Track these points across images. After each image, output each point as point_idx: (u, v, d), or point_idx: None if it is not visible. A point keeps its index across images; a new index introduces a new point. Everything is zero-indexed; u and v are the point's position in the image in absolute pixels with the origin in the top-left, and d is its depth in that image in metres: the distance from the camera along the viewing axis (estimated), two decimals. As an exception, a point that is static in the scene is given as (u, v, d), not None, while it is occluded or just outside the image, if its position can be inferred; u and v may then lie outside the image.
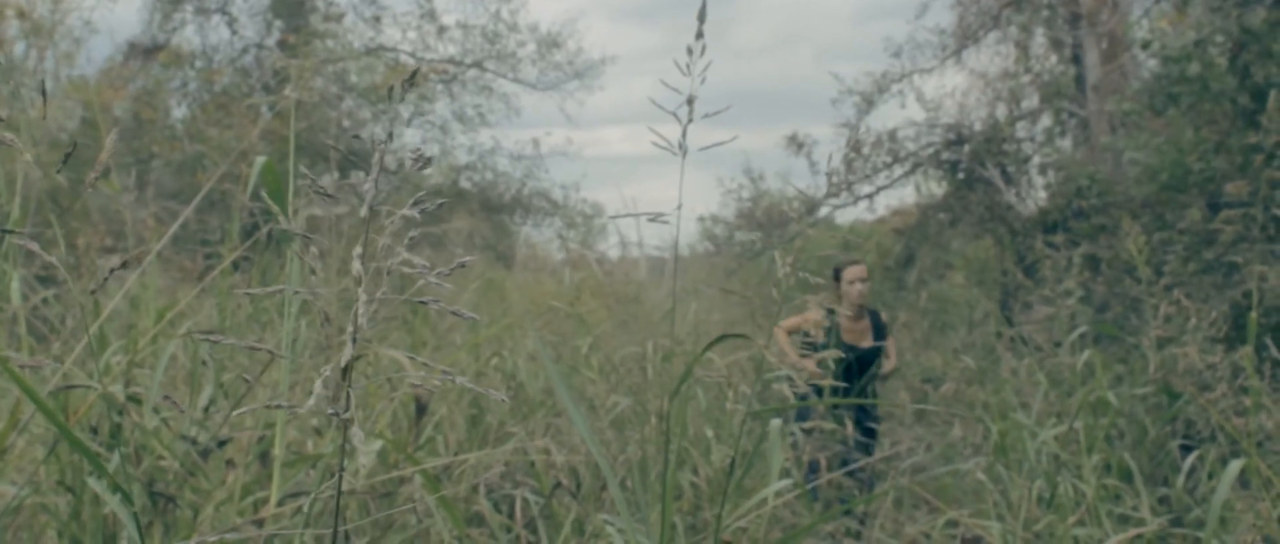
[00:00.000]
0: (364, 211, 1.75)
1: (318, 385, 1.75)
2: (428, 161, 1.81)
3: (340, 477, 1.82)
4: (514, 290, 12.53)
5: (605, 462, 2.72)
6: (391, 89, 1.77)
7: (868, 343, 8.81)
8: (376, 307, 1.79)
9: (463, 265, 1.81)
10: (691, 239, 22.01)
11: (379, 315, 1.83)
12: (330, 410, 1.78)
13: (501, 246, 20.99)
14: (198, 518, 3.48)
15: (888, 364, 9.05)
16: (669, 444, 2.77)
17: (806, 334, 8.29)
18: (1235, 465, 4.71)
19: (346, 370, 3.74)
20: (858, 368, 8.61)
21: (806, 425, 4.08)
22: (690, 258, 19.76)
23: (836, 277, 8.91)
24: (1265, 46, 8.88)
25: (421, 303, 1.80)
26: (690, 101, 2.71)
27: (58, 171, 1.99)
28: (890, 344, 9.16)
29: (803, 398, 6.89)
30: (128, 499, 2.42)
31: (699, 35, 2.64)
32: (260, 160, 3.25)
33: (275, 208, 1.96)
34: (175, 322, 4.53)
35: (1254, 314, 5.43)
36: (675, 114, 2.72)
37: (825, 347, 8.16)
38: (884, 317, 9.17)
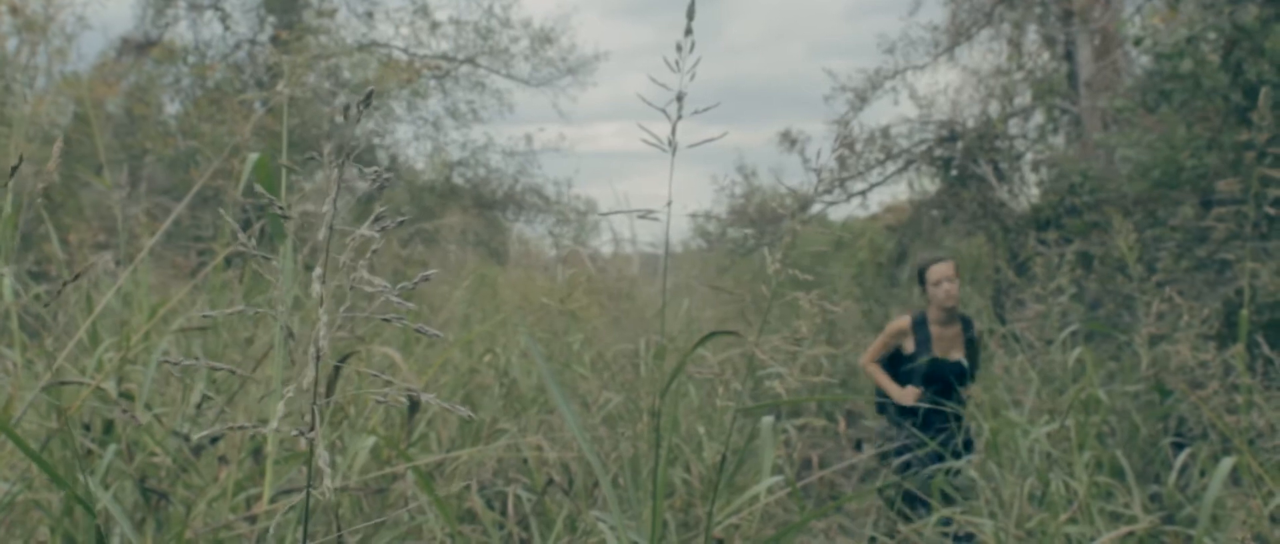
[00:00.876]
0: (322, 234, 1.75)
1: (280, 406, 1.75)
2: (386, 182, 1.80)
3: (307, 489, 1.82)
4: (506, 287, 12.54)
5: (596, 458, 2.73)
6: (348, 109, 1.76)
7: (959, 354, 7.89)
8: (340, 324, 1.79)
9: (426, 279, 1.81)
10: (685, 235, 22.03)
11: (355, 331, 1.83)
12: (295, 431, 1.78)
13: (495, 243, 20.99)
14: (190, 514, 3.48)
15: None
16: (660, 441, 2.77)
17: (899, 349, 7.91)
18: (1227, 463, 4.73)
19: (329, 387, 3.73)
20: (946, 385, 7.79)
21: (799, 422, 4.08)
22: (683, 254, 19.77)
23: (921, 278, 8.04)
24: (1257, 43, 8.89)
25: (385, 320, 1.80)
26: (680, 98, 2.71)
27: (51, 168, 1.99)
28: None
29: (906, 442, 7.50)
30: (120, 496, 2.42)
31: (688, 31, 2.65)
32: (253, 156, 3.25)
33: (269, 196, 1.96)
34: (168, 318, 4.53)
35: (1245, 311, 5.44)
36: (664, 111, 2.72)
37: (915, 358, 7.85)
38: (977, 326, 8.16)
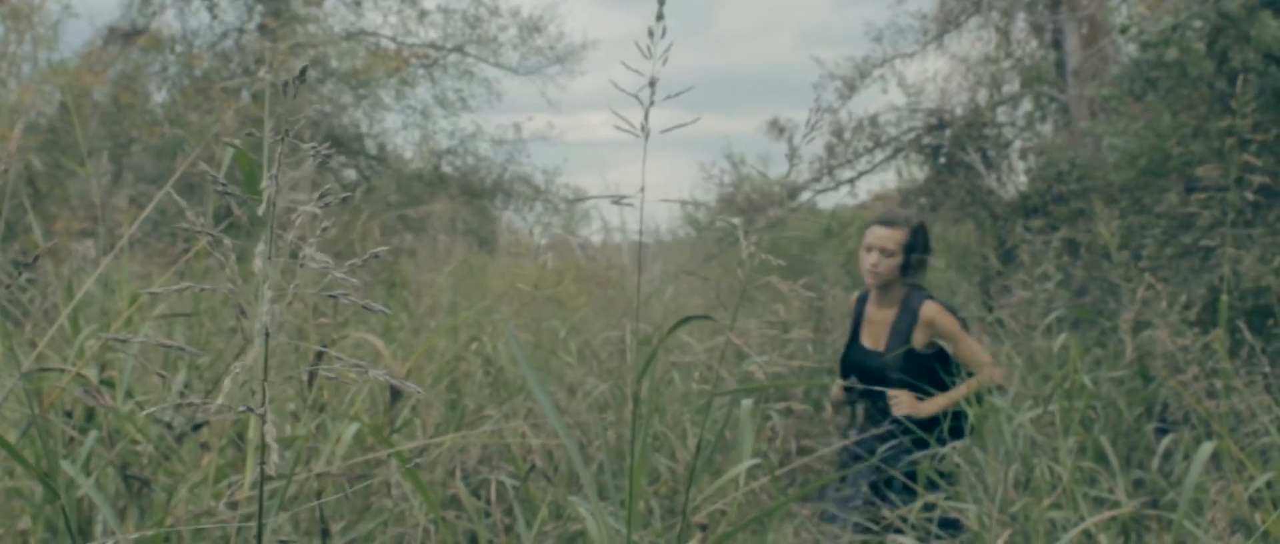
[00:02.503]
0: (261, 209, 1.75)
1: (227, 382, 1.76)
2: (326, 157, 1.80)
3: (262, 469, 1.83)
4: (495, 276, 12.54)
5: (573, 443, 2.74)
6: (287, 84, 1.77)
7: (880, 345, 6.51)
8: (290, 301, 1.80)
9: (376, 256, 1.82)
10: (674, 224, 22.03)
11: (336, 317, 1.84)
12: (243, 407, 1.79)
13: (483, 231, 21.00)
14: (172, 501, 3.48)
15: (916, 403, 6.34)
16: (637, 424, 2.78)
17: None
18: (1207, 447, 4.74)
19: (310, 375, 3.73)
20: (871, 383, 6.46)
21: (780, 406, 4.09)
22: (671, 243, 19.78)
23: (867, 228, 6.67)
24: (1243, 31, 8.90)
25: (331, 297, 1.80)
26: (652, 83, 2.72)
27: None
28: (969, 382, 6.27)
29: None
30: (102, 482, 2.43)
31: (659, 16, 2.65)
32: (231, 151, 3.25)
33: (229, 187, 1.96)
34: (149, 305, 4.53)
35: (1225, 297, 5.46)
36: (637, 96, 2.73)
37: (847, 348, 6.80)
38: (929, 313, 6.42)
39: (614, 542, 2.82)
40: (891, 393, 6.29)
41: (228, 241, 1.88)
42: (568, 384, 7.61)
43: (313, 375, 3.91)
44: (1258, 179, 5.38)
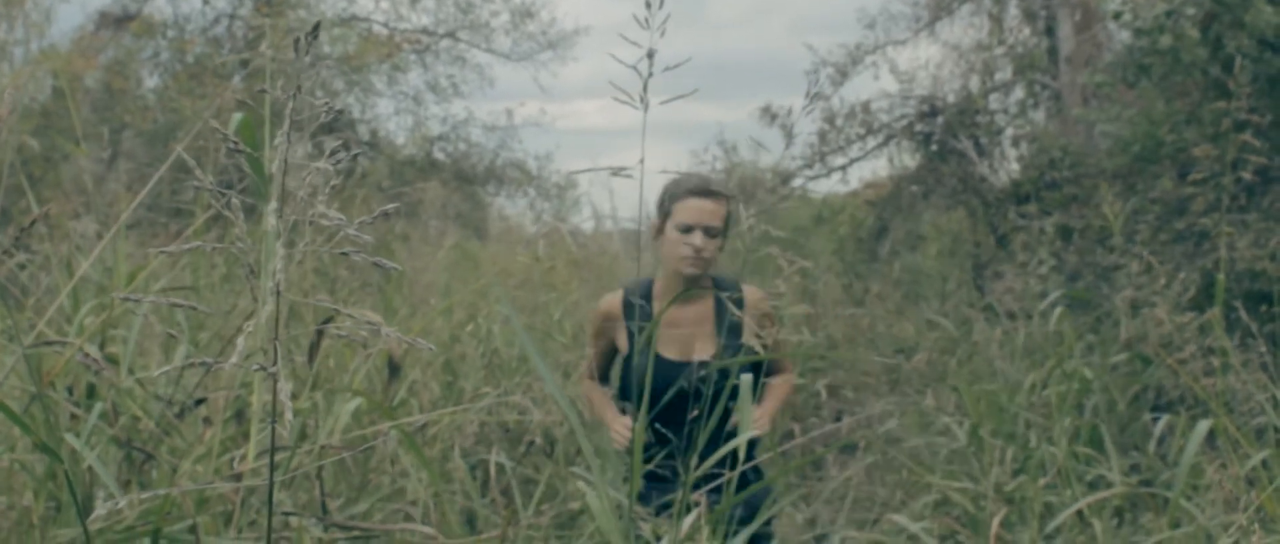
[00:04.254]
0: (275, 167, 1.76)
1: (240, 340, 1.76)
2: (336, 116, 1.82)
3: (272, 428, 1.84)
4: (487, 261, 12.56)
5: (574, 414, 2.75)
6: (298, 41, 1.78)
7: (706, 351, 4.85)
8: (303, 261, 1.81)
9: (386, 214, 1.83)
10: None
11: (335, 293, 1.86)
12: (257, 365, 1.80)
13: (475, 218, 21.00)
14: (176, 474, 3.50)
15: (758, 415, 4.74)
16: (637, 398, 2.79)
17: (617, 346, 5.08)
18: (1203, 426, 4.77)
19: (311, 352, 3.74)
20: (677, 411, 4.62)
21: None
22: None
23: (665, 207, 4.88)
24: (1237, 17, 8.91)
25: (343, 255, 1.81)
26: (650, 55, 2.73)
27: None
28: (778, 384, 5.04)
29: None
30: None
31: (655, -9, 2.66)
32: (237, 117, 3.26)
33: (244, 148, 1.97)
34: (149, 282, 4.54)
35: (1222, 276, 5.48)
36: (635, 68, 2.74)
37: (629, 362, 4.96)
38: (755, 298, 4.84)
39: (615, 514, 2.83)
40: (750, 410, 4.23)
41: (237, 200, 1.89)
42: (563, 366, 7.63)
43: (313, 352, 3.92)
44: (1254, 159, 5.40)
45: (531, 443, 5.88)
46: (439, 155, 23.70)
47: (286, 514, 3.38)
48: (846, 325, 12.59)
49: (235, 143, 1.81)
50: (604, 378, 5.14)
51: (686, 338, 4.89)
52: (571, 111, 48.57)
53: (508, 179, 24.22)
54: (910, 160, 17.31)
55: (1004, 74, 17.24)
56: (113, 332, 4.36)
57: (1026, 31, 17.30)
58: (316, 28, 1.77)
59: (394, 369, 4.34)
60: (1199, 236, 8.76)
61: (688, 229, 4.76)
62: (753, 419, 4.09)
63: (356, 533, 3.38)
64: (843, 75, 17.67)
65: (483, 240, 17.04)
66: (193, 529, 3.17)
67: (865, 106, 17.17)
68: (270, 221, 1.70)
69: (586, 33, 25.65)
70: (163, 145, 18.00)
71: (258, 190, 3.34)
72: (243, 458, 3.57)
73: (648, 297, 4.94)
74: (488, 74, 23.97)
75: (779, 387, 5.01)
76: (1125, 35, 11.28)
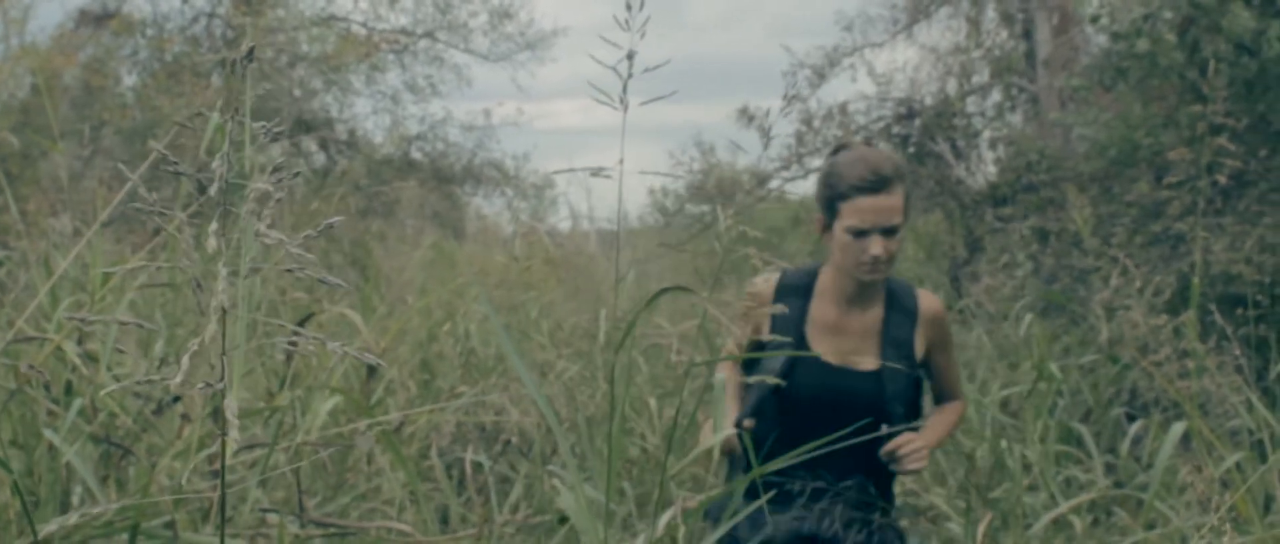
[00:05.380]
0: (214, 190, 1.77)
1: (185, 359, 1.77)
2: (279, 135, 1.83)
3: (222, 441, 1.85)
4: (464, 261, 12.57)
5: (551, 413, 2.76)
6: (235, 63, 1.80)
7: (869, 364, 4.05)
8: (246, 276, 1.82)
9: (330, 226, 1.84)
10: (642, 211, 22.05)
11: (313, 293, 1.87)
12: (201, 383, 1.81)
13: (452, 217, 20.99)
14: (155, 470, 3.50)
15: (920, 445, 3.94)
16: (615, 392, 2.80)
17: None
18: (1178, 428, 4.80)
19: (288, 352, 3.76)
20: (838, 418, 3.64)
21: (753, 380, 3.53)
22: (640, 230, 19.82)
23: (830, 207, 3.99)
24: (1214, 21, 8.95)
25: (288, 271, 1.82)
26: (630, 56, 2.74)
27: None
28: (945, 412, 4.32)
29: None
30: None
31: (636, -10, 2.67)
32: (214, 118, 3.27)
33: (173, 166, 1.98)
34: (125, 281, 4.54)
35: (1196, 279, 5.51)
36: (614, 69, 2.76)
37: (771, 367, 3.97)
38: (928, 306, 4.18)
39: (592, 511, 2.84)
40: (899, 437, 3.94)
41: (182, 217, 1.90)
42: (539, 365, 7.64)
43: (290, 351, 3.93)
44: (1229, 162, 5.43)
45: (508, 442, 5.89)
46: (417, 155, 23.68)
47: (264, 511, 3.39)
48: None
49: (174, 162, 1.82)
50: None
51: (847, 346, 4.09)
52: (549, 112, 48.60)
53: (485, 179, 24.21)
54: (887, 163, 17.34)
55: (981, 77, 17.30)
56: (90, 328, 4.36)
57: (1004, 34, 17.37)
58: (251, 53, 1.78)
59: (372, 367, 4.35)
60: (1175, 240, 8.80)
61: (861, 234, 3.90)
62: (915, 450, 3.90)
63: (333, 530, 3.38)
64: (820, 77, 17.70)
65: (460, 240, 17.05)
66: (170, 525, 3.18)
67: (842, 108, 17.21)
68: (210, 243, 1.71)
69: (564, 33, 25.64)
70: (141, 143, 17.97)
71: (234, 192, 3.34)
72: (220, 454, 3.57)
73: (807, 291, 4.14)
74: (465, 74, 23.96)
75: (946, 415, 4.31)
76: (1102, 39, 11.34)
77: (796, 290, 4.13)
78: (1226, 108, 5.74)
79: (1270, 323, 6.86)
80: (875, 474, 4.02)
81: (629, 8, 2.67)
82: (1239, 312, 6.91)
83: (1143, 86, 10.00)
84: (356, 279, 8.36)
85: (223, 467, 1.64)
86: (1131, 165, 10.32)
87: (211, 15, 22.19)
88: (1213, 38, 8.91)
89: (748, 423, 3.91)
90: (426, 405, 6.18)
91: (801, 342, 4.06)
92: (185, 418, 3.86)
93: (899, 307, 4.11)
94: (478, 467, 5.65)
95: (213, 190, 1.80)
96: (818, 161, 17.28)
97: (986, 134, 16.63)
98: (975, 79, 17.27)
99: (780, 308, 3.38)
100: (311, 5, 22.71)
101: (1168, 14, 9.34)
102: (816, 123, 17.08)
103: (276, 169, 1.78)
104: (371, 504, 4.70)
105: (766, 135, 3.27)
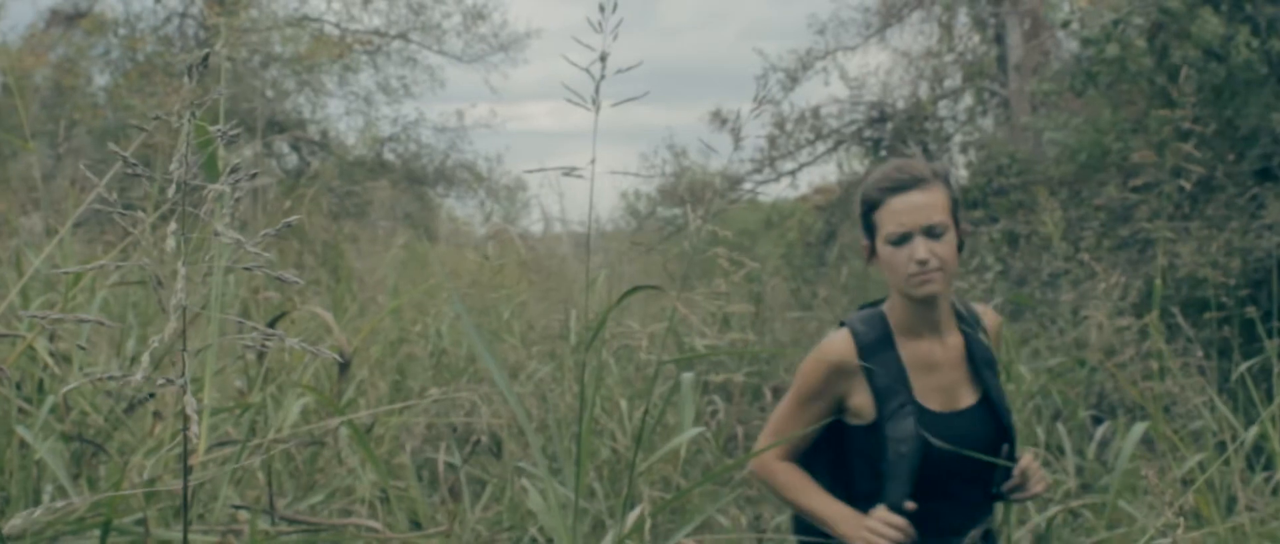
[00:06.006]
0: (171, 191, 1.79)
1: (145, 356, 1.79)
2: (233, 138, 1.85)
3: (184, 435, 1.87)
4: (436, 263, 12.56)
5: (522, 411, 2.79)
6: (191, 68, 1.82)
7: (968, 398, 3.60)
8: (205, 276, 1.84)
9: (288, 225, 1.87)
10: (613, 213, 22.08)
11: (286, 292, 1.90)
12: (162, 380, 1.83)
13: (424, 219, 21.00)
14: (127, 466, 3.51)
15: (1031, 465, 3.61)
16: (585, 390, 2.83)
17: (841, 417, 3.65)
18: (1138, 428, 4.84)
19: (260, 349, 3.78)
20: (966, 473, 3.51)
21: (721, 377, 3.56)
22: (612, 233, 19.84)
23: (868, 221, 3.56)
24: (1183, 27, 9.03)
25: (246, 269, 1.85)
26: (603, 58, 2.77)
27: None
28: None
29: None
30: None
31: (609, -8, 2.70)
32: (186, 120, 3.28)
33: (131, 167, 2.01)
34: (98, 279, 4.55)
35: (1159, 282, 5.56)
36: (588, 71, 2.79)
37: (882, 431, 3.52)
38: (990, 321, 3.78)
39: (562, 508, 2.87)
40: (1020, 465, 3.63)
41: (146, 219, 1.92)
42: (511, 367, 7.65)
43: (262, 350, 3.94)
44: (1196, 167, 5.48)
45: (478, 441, 5.91)
46: (389, 156, 23.67)
47: (235, 508, 3.41)
48: (794, 329, 12.64)
49: (134, 165, 1.84)
50: (808, 459, 3.71)
51: (945, 382, 3.60)
52: (520, 114, 48.58)
53: (458, 180, 24.21)
54: (859, 165, 17.42)
55: (953, 81, 17.39)
56: (62, 326, 4.37)
57: (976, 39, 17.46)
58: (206, 59, 1.81)
59: (343, 366, 4.37)
60: (1143, 243, 8.87)
61: (902, 239, 3.46)
62: (1035, 471, 3.61)
63: (304, 527, 3.40)
64: (793, 81, 17.76)
65: (432, 241, 17.05)
66: (142, 522, 3.19)
67: (815, 112, 17.28)
68: (169, 242, 1.73)
69: (538, 35, 25.66)
70: (113, 143, 17.92)
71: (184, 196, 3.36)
72: (192, 453, 3.59)
73: (888, 339, 3.59)
74: (439, 75, 23.97)
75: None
76: (1073, 44, 11.42)
77: (879, 342, 3.59)
78: (1195, 113, 5.78)
79: (1233, 325, 6.92)
80: (989, 513, 3.67)
81: (602, 10, 2.70)
82: (1205, 314, 6.96)
83: (1112, 91, 10.08)
84: (329, 280, 8.35)
85: (185, 463, 1.67)
86: (1100, 169, 10.40)
87: (184, 15, 22.15)
88: (1181, 43, 8.98)
89: (910, 504, 3.46)
90: (397, 405, 6.20)
91: (911, 397, 3.53)
92: (158, 416, 3.87)
93: (970, 322, 3.67)
94: (450, 468, 5.67)
95: (170, 191, 1.82)
96: (790, 164, 17.36)
97: (958, 137, 16.73)
98: (947, 83, 17.37)
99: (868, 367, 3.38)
100: (285, 6, 22.70)
101: (1137, 20, 9.41)
102: (789, 126, 17.16)
103: (234, 170, 1.80)
104: (341, 503, 4.72)
105: (737, 138, 3.31)
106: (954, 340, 3.62)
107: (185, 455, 1.84)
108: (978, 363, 3.61)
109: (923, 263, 3.41)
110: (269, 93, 21.07)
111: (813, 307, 14.03)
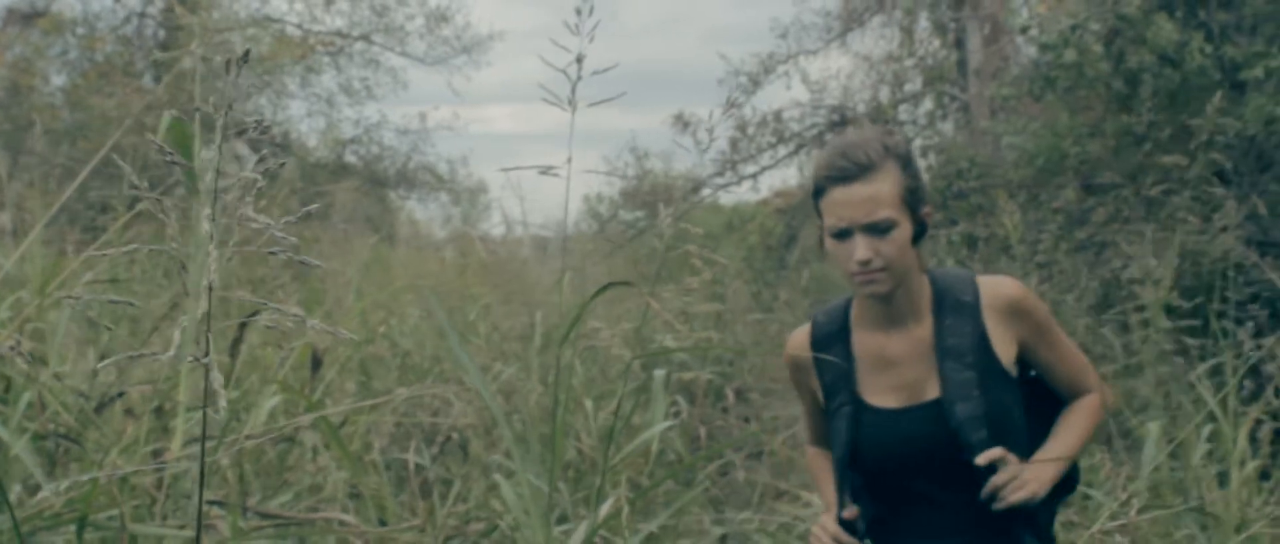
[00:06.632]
0: (209, 178, 1.85)
1: (176, 333, 1.85)
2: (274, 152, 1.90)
3: (204, 413, 1.91)
4: (397, 266, 12.58)
5: (496, 405, 2.84)
6: (229, 63, 1.87)
7: (933, 391, 3.19)
8: (232, 259, 1.89)
9: (309, 213, 1.92)
10: (576, 216, 22.11)
11: (257, 291, 1.94)
12: (190, 356, 1.88)
13: (385, 221, 20.99)
14: (105, 461, 3.55)
15: (1036, 469, 3.13)
16: (559, 382, 2.89)
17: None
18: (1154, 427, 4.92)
19: (233, 345, 3.82)
20: (919, 473, 3.22)
21: (688, 375, 3.72)
22: (574, 236, 19.87)
23: (815, 201, 3.22)
24: (1139, 33, 9.14)
25: (271, 253, 1.90)
26: (579, 60, 2.83)
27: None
28: (1076, 413, 3.33)
29: None
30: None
31: (583, -6, 2.75)
32: (167, 115, 3.33)
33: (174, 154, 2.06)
34: (70, 280, 4.58)
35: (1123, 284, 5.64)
36: (565, 72, 2.84)
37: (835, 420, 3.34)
38: (1015, 292, 3.25)
39: (535, 500, 2.92)
40: (999, 463, 3.10)
41: (168, 202, 1.97)
42: (478, 368, 7.68)
43: (235, 346, 3.99)
44: (1150, 178, 5.56)
45: (449, 438, 5.94)
46: (351, 158, 23.66)
47: (210, 503, 3.45)
48: (755, 331, 12.70)
49: (170, 153, 1.89)
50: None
51: (908, 376, 3.26)
52: (482, 116, 48.58)
53: (419, 183, 24.22)
54: (820, 169, 17.49)
55: (913, 85, 17.49)
56: (33, 326, 4.40)
57: (936, 44, 17.57)
58: (247, 55, 1.86)
59: (316, 363, 4.41)
60: (1099, 246, 8.97)
61: (842, 234, 3.13)
62: (1031, 477, 3.10)
63: (277, 521, 3.44)
64: (755, 84, 17.84)
65: (392, 244, 17.05)
66: (118, 517, 3.23)
67: (777, 115, 17.35)
68: (203, 226, 1.79)
69: (501, 38, 25.69)
70: (71, 144, 17.86)
71: (189, 188, 3.41)
72: (167, 450, 3.63)
73: (844, 330, 3.36)
74: (401, 77, 23.98)
75: (1076, 417, 3.33)
76: (1032, 49, 11.53)
77: (833, 335, 3.37)
78: (1150, 118, 5.87)
79: (1189, 329, 7.01)
80: (999, 520, 3.14)
81: (578, 12, 2.76)
82: (1161, 317, 7.05)
83: (1070, 96, 10.18)
84: (295, 282, 8.38)
85: (204, 437, 1.71)
86: (1058, 173, 10.50)
87: (143, 15, 22.08)
88: (1138, 49, 9.09)
89: (849, 512, 3.24)
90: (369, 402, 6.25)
91: (853, 393, 3.29)
92: (130, 413, 3.91)
93: (951, 307, 3.23)
94: (419, 467, 5.71)
95: (207, 178, 1.87)
96: (751, 168, 17.44)
97: (918, 141, 16.81)
98: (907, 87, 17.47)
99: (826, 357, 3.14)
100: (246, 6, 22.66)
101: (1095, 26, 9.53)
102: (751, 130, 17.23)
103: (262, 158, 1.85)
104: (309, 502, 4.75)
105: (710, 139, 3.36)
106: (922, 331, 3.23)
107: (203, 428, 1.89)
108: (942, 352, 3.18)
109: (863, 263, 3.08)
110: (231, 93, 20.97)
111: (774, 309, 14.10)
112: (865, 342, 3.28)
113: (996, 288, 3.22)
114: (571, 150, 2.83)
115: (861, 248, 3.06)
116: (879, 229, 3.06)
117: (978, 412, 3.11)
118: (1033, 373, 3.32)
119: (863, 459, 3.23)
